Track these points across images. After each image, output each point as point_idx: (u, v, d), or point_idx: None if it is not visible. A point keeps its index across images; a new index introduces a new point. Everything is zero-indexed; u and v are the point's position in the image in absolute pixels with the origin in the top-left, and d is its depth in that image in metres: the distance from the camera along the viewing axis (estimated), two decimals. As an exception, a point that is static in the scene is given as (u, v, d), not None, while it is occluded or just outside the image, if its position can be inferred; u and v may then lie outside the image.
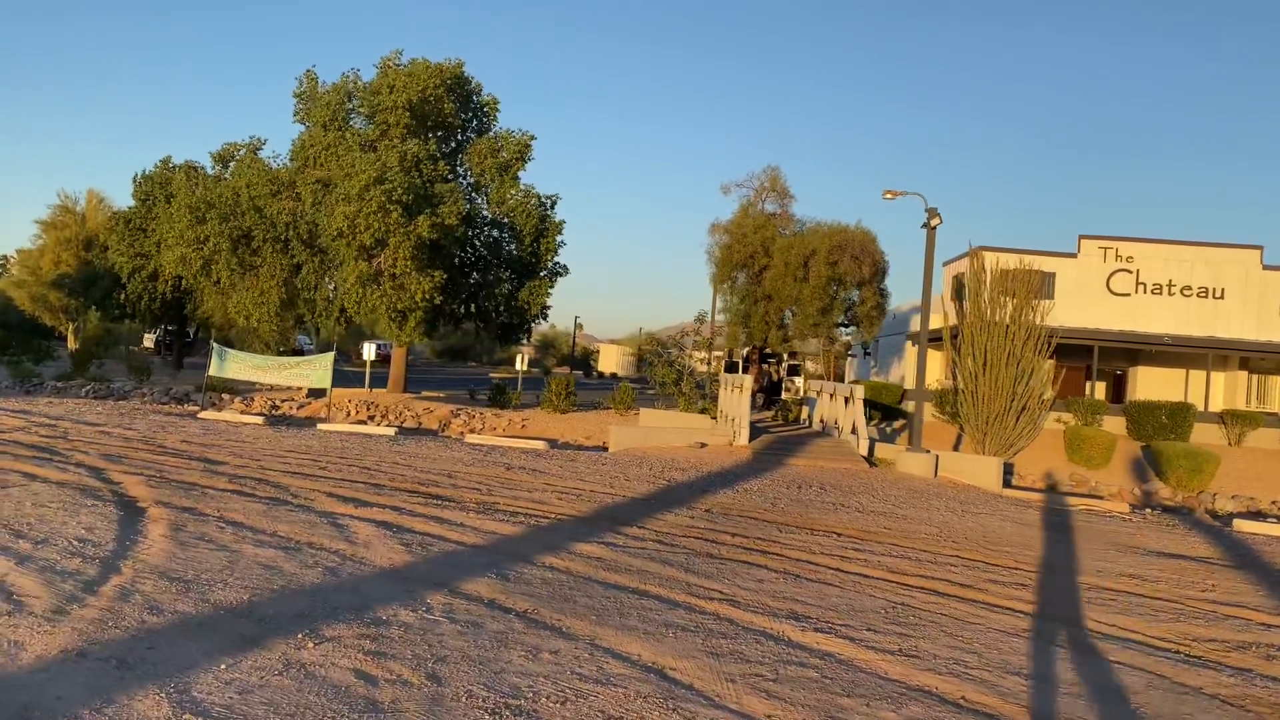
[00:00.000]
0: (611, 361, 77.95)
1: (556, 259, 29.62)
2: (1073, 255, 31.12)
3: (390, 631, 5.80)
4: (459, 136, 29.79)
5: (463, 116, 29.43)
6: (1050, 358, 22.18)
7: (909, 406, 30.51)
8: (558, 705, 4.79)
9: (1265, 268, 30.54)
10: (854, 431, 20.00)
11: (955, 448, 23.46)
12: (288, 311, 28.20)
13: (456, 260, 28.06)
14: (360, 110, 27.93)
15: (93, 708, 4.34)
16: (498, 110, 30.20)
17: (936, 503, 14.14)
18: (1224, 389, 30.62)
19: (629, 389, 27.54)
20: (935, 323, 24.58)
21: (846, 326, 34.56)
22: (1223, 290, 30.47)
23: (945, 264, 34.17)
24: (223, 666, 4.99)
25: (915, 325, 35.15)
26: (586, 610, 6.62)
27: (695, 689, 5.19)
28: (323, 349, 33.67)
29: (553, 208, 29.61)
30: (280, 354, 28.58)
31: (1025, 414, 21.42)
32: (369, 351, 28.51)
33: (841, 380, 37.70)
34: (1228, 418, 27.50)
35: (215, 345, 22.87)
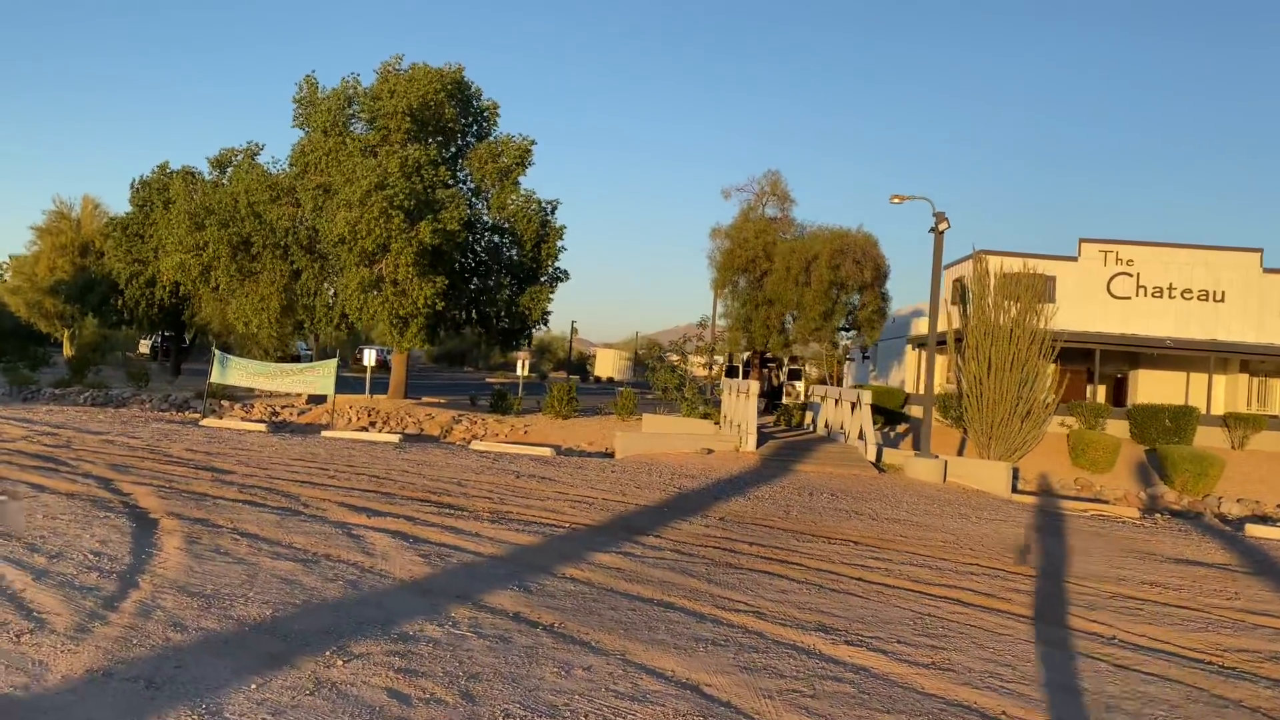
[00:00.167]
0: (608, 366, 77.81)
1: (557, 264, 29.56)
2: (1073, 259, 31.13)
3: (419, 648, 5.70)
4: (459, 141, 29.72)
5: (463, 121, 29.36)
6: (1054, 361, 22.16)
7: (912, 410, 30.49)
8: (598, 725, 4.70)
9: (1265, 271, 30.59)
10: (861, 437, 19.93)
11: (959, 452, 23.41)
12: (287, 318, 28.06)
13: (457, 266, 27.96)
14: (361, 115, 27.83)
15: (125, 731, 4.24)
16: (498, 115, 30.17)
17: (949, 509, 14.07)
18: (1224, 392, 30.65)
19: (631, 394, 27.43)
20: (940, 326, 24.54)
21: (847, 331, 34.52)
22: (1223, 293, 30.50)
23: (945, 268, 34.15)
24: (253, 686, 4.89)
25: (915, 329, 35.14)
26: (614, 623, 6.52)
27: (733, 706, 5.10)
28: (322, 355, 33.51)
29: (553, 213, 29.56)
30: (279, 360, 28.42)
31: (1030, 418, 21.38)
32: (369, 358, 28.37)
33: (838, 384, 37.68)
34: (1231, 421, 27.50)
35: (217, 352, 22.71)
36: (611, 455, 19.09)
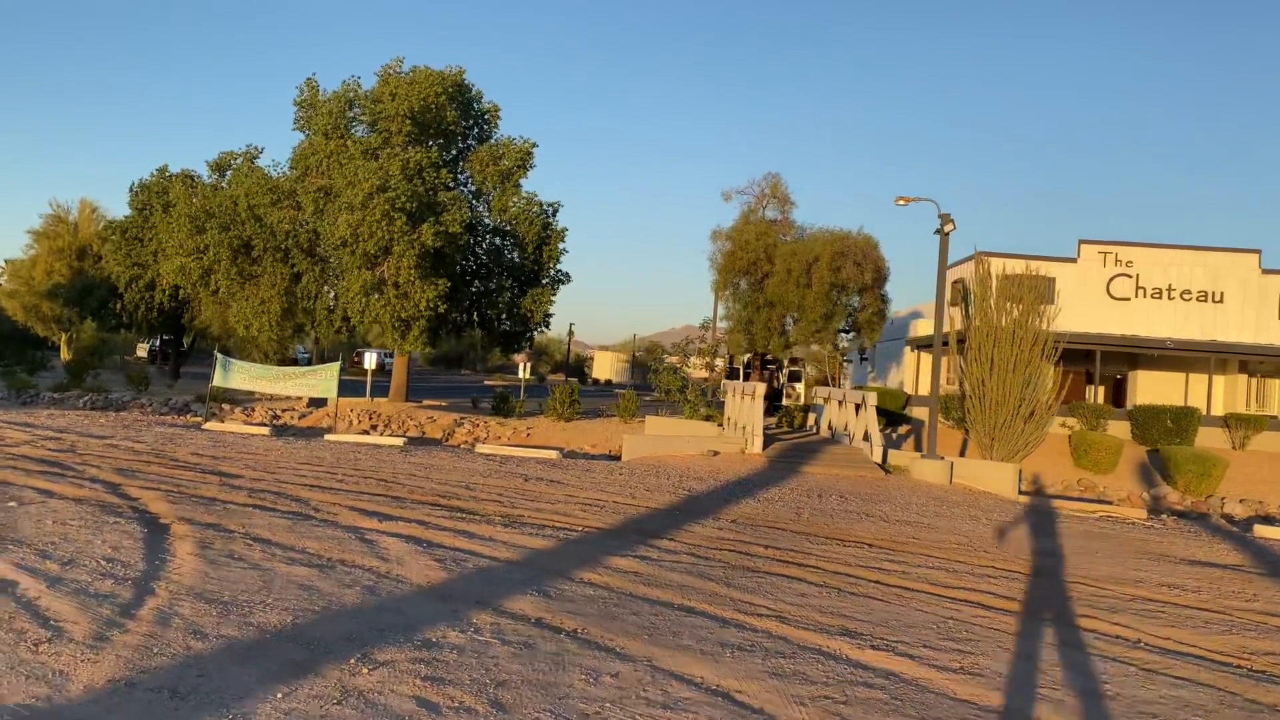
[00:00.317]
0: (606, 368, 77.68)
1: (559, 267, 29.48)
2: (1072, 260, 31.15)
3: (443, 655, 5.62)
4: (460, 144, 29.64)
5: (464, 124, 29.28)
6: (1056, 363, 22.14)
7: (913, 412, 30.45)
8: (632, 733, 4.63)
9: (1264, 271, 30.65)
10: (866, 438, 19.88)
11: (961, 453, 23.38)
12: (287, 321, 27.96)
13: (459, 268, 27.88)
14: (362, 118, 27.74)
15: (154, 743, 4.16)
16: (499, 118, 30.09)
17: (958, 510, 14.02)
18: (1224, 392, 30.69)
19: (633, 396, 27.37)
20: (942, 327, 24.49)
21: (848, 332, 34.52)
22: (1222, 294, 30.55)
23: (947, 269, 34.15)
24: (279, 695, 4.80)
25: (913, 331, 35.14)
26: (637, 629, 6.45)
27: (767, 713, 5.03)
28: (321, 359, 33.39)
29: (555, 215, 29.49)
30: (279, 364, 28.30)
31: (1032, 419, 21.35)
32: (371, 360, 28.26)
33: (836, 385, 37.64)
34: (1232, 421, 27.53)
35: (219, 355, 22.57)
36: (617, 457, 19.02)
